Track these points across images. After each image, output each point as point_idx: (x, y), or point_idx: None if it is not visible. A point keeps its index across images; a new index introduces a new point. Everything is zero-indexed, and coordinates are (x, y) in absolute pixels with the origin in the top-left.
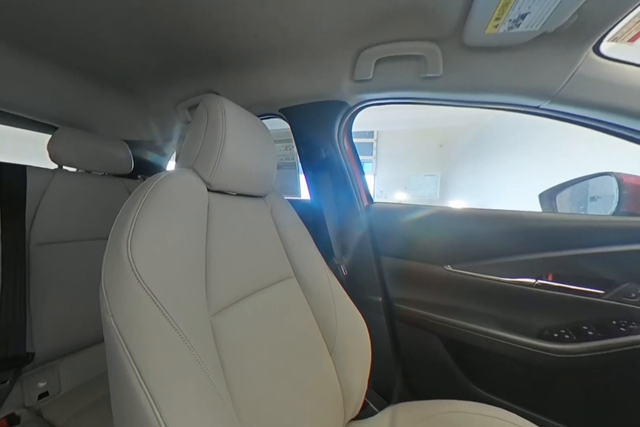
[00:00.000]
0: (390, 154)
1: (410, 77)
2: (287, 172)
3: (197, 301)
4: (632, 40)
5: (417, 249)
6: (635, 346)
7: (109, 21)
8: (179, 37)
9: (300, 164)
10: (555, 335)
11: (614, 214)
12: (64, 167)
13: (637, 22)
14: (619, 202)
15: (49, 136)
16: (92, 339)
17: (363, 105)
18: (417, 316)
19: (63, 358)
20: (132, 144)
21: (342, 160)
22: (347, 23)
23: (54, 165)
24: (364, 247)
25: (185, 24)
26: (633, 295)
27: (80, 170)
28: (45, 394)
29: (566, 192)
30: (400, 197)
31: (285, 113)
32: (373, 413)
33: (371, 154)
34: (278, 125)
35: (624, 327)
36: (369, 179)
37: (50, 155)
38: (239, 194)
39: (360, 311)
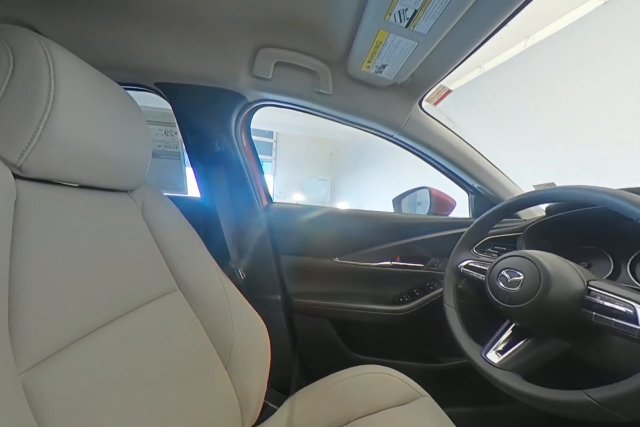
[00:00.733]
0: (289, 156)
1: (306, 88)
2: (167, 163)
3: None
4: (436, 103)
5: (312, 245)
6: (437, 297)
7: None
8: None
9: (187, 156)
10: (400, 299)
11: (428, 214)
12: None
13: (439, 92)
14: (430, 206)
15: None
16: None
17: (263, 103)
18: (312, 306)
19: None
20: None
21: (240, 156)
22: (248, 12)
23: None
24: (264, 247)
25: None
26: (436, 265)
27: None
28: None
29: (406, 198)
30: (298, 198)
31: (165, 90)
32: (274, 411)
33: (271, 154)
34: (152, 102)
35: (432, 286)
36: (269, 179)
37: None
38: (83, 187)
39: (260, 312)
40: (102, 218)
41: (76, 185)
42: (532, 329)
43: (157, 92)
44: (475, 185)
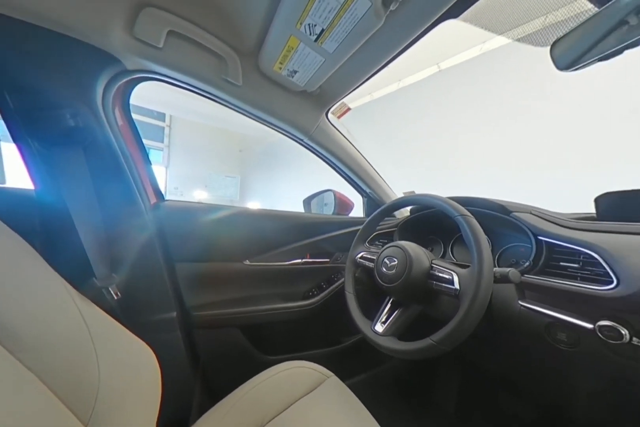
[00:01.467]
0: (187, 147)
1: (211, 72)
2: None
3: None
4: (339, 117)
5: (218, 249)
6: (339, 286)
7: None
8: None
9: (4, 125)
10: (310, 294)
11: (333, 214)
12: None
13: (341, 108)
14: (334, 207)
15: None
16: None
17: (148, 75)
18: (218, 316)
19: None
20: None
21: (111, 137)
22: None
23: None
24: (151, 255)
25: None
26: (339, 259)
27: None
28: None
29: (315, 199)
30: (201, 196)
31: None
32: None
33: (162, 141)
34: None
35: (336, 277)
36: (159, 171)
37: None
38: None
39: (145, 337)
40: None
41: None
42: (402, 301)
43: None
44: (368, 190)
